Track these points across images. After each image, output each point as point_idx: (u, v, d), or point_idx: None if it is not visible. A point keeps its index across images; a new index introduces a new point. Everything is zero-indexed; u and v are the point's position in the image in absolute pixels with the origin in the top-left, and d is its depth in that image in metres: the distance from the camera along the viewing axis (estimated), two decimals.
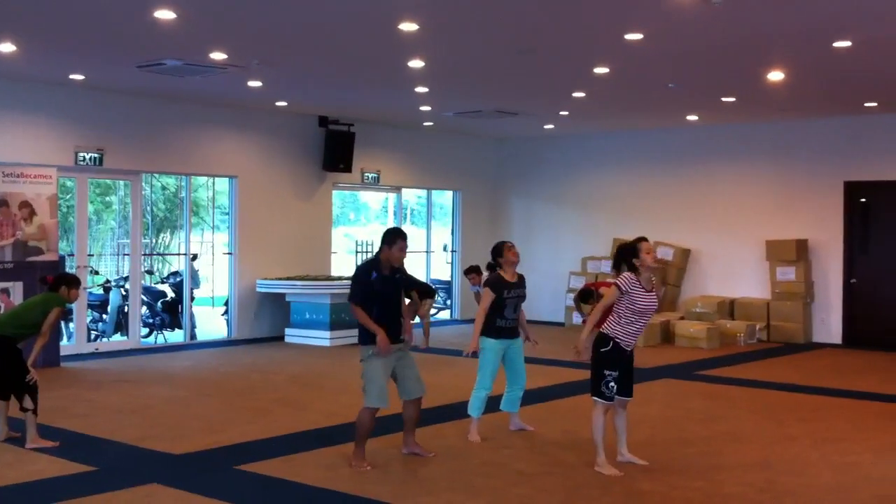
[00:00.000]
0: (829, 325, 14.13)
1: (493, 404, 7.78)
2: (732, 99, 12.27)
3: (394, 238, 6.62)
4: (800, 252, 14.03)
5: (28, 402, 7.04)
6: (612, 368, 6.30)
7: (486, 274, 12.33)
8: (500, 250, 7.57)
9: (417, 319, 13.57)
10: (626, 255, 6.32)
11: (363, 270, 6.68)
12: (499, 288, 7.37)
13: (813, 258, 14.23)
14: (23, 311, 7.34)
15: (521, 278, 7.60)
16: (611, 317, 6.34)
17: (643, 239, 6.38)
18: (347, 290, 13.16)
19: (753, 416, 8.48)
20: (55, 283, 7.42)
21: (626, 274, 6.29)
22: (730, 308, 14.48)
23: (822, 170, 14.13)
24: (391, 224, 17.63)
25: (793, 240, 14.05)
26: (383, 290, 6.59)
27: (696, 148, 15.33)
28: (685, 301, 14.92)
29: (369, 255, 17.51)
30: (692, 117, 14.24)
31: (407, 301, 13.45)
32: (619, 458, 6.56)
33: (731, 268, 14.95)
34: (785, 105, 12.74)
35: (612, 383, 6.28)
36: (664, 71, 10.45)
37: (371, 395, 6.47)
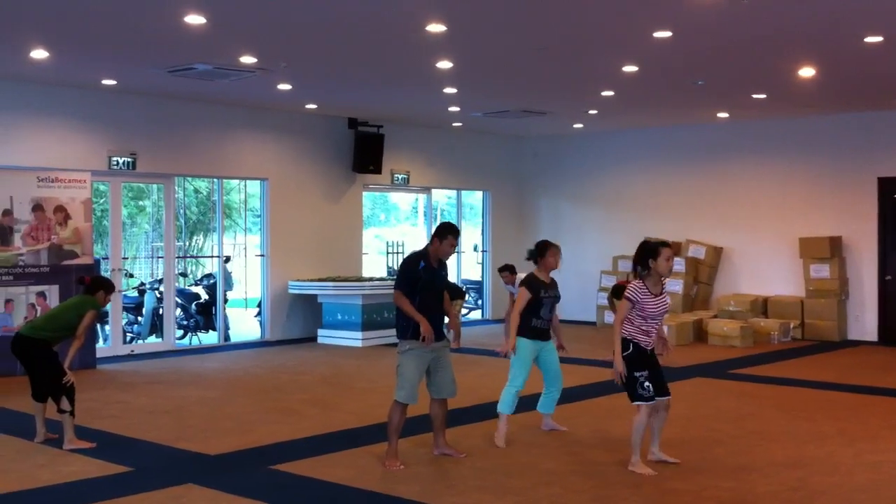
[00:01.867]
0: (864, 322, 13.99)
1: (523, 405, 7.78)
2: (763, 95, 12.18)
3: (445, 232, 6.64)
4: (833, 249, 13.90)
5: (65, 404, 7.13)
6: (640, 369, 6.29)
7: (519, 275, 12.34)
8: (543, 250, 7.53)
9: (447, 320, 13.61)
10: (646, 254, 6.33)
11: (412, 259, 6.70)
12: (536, 288, 7.35)
13: (847, 255, 14.09)
14: (58, 314, 7.42)
15: (554, 281, 7.60)
16: (625, 322, 6.34)
17: (666, 245, 6.38)
18: (379, 291, 13.40)
19: (786, 415, 8.43)
20: (92, 286, 7.48)
21: (635, 283, 6.29)
22: (763, 306, 14.37)
23: (854, 166, 14.00)
24: (421, 225, 17.69)
25: (826, 237, 13.93)
26: (429, 281, 6.62)
27: (726, 145, 15.23)
28: (718, 299, 14.83)
29: (400, 256, 17.60)
30: (722, 114, 14.16)
31: None
32: (651, 456, 6.54)
33: (763, 265, 14.84)
34: (816, 101, 12.64)
35: (646, 383, 6.26)
36: (693, 68, 10.40)
37: (402, 389, 6.50)
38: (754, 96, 12.26)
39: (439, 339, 6.61)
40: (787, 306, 14.19)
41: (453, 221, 17.39)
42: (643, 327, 6.32)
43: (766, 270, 14.81)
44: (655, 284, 6.31)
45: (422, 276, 6.57)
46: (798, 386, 10.02)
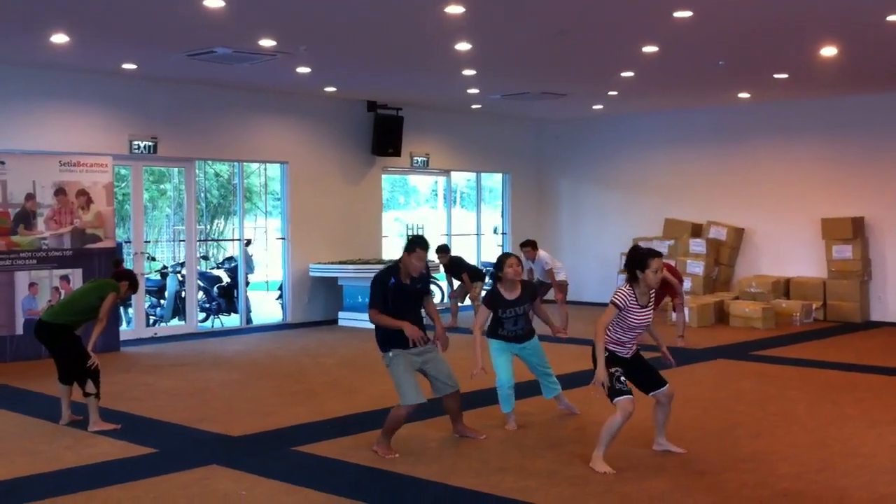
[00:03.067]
0: (887, 303, 13.91)
1: (534, 388, 7.76)
2: (785, 76, 12.09)
3: (413, 245, 6.43)
4: (856, 230, 13.81)
5: (90, 387, 7.19)
6: (614, 367, 5.99)
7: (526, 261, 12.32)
8: (500, 264, 7.17)
9: (468, 302, 13.63)
10: (635, 263, 5.99)
11: (382, 275, 6.51)
12: (493, 305, 7.13)
13: (870, 236, 14.00)
14: (78, 298, 7.46)
15: (527, 289, 7.23)
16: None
17: (657, 255, 6.01)
18: None
19: (808, 397, 8.40)
20: (119, 275, 7.55)
21: (624, 289, 5.99)
22: (785, 287, 14.30)
23: (877, 146, 13.88)
24: (441, 207, 17.69)
25: (849, 217, 13.83)
26: (396, 297, 6.43)
27: (747, 125, 15.13)
28: (739, 281, 14.77)
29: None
30: (743, 95, 14.06)
31: (457, 284, 13.57)
32: (656, 447, 6.42)
33: (785, 247, 14.77)
34: (838, 81, 12.52)
35: (622, 377, 5.97)
36: (714, 48, 10.33)
37: (406, 394, 6.34)
38: (776, 76, 12.16)
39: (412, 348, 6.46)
40: (810, 288, 14.12)
41: (473, 204, 17.47)
42: (621, 337, 6.05)
43: (787, 252, 14.73)
44: (643, 295, 6.02)
45: (391, 292, 6.41)
46: (820, 367, 9.98)
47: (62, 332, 7.26)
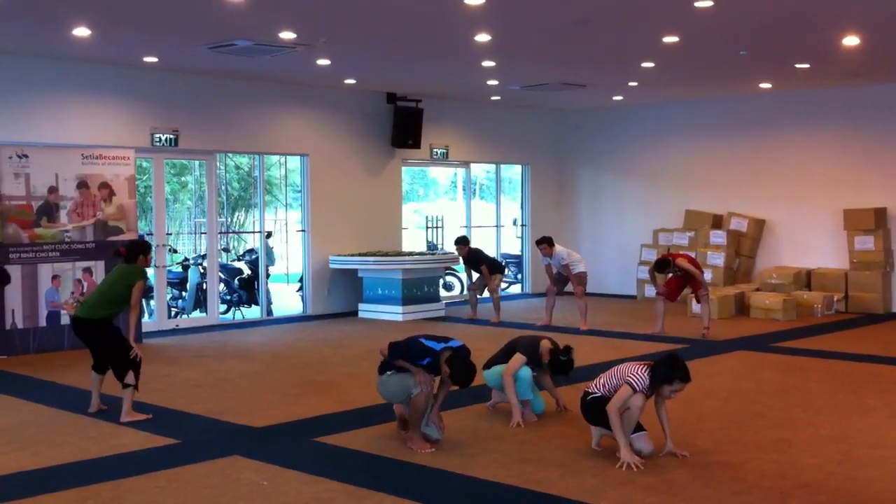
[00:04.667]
0: None
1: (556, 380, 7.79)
2: (806, 65, 12.01)
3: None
4: (878, 220, 13.72)
5: (130, 378, 7.22)
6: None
7: (559, 249, 12.30)
8: (539, 354, 7.21)
9: (487, 294, 13.65)
10: (662, 373, 5.94)
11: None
12: (532, 362, 7.18)
13: (892, 226, 13.91)
14: (108, 289, 7.46)
15: (555, 359, 7.23)
16: (603, 387, 6.14)
17: (676, 379, 5.93)
18: (419, 266, 13.49)
19: (830, 388, 8.37)
20: (130, 253, 7.50)
21: (645, 375, 5.94)
22: (806, 279, 14.24)
23: None
24: (460, 199, 17.70)
25: (871, 208, 13.75)
26: None
27: (768, 116, 15.05)
28: (760, 272, 14.71)
29: (439, 230, 17.64)
30: (765, 85, 13.98)
31: (476, 276, 13.58)
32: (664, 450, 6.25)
33: (806, 238, 14.69)
34: (861, 70, 12.43)
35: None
36: (735, 38, 10.28)
37: (416, 386, 6.33)
38: (798, 66, 12.09)
39: None
40: (831, 279, 14.05)
41: (493, 195, 17.45)
42: (605, 388, 6.13)
43: (809, 243, 14.66)
44: (652, 394, 6.04)
45: None
46: (842, 359, 9.93)
47: (102, 326, 7.31)
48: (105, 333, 7.33)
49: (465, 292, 14.65)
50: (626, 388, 5.94)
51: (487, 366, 7.42)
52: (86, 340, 7.47)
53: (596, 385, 6.23)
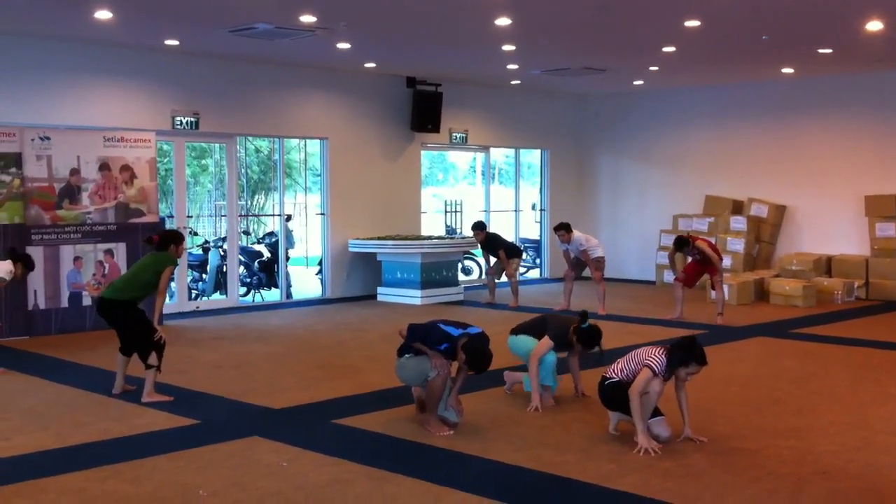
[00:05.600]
0: None
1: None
2: (829, 50, 11.92)
3: None
4: None
5: (153, 359, 7.31)
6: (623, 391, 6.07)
7: (579, 236, 12.27)
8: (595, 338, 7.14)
9: (505, 279, 13.65)
10: (679, 355, 5.94)
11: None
12: (559, 346, 7.16)
13: None
14: (136, 274, 7.54)
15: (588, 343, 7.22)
16: (621, 371, 6.13)
17: (693, 362, 5.93)
18: (437, 250, 13.51)
19: (849, 375, 8.34)
20: (162, 242, 7.58)
21: (663, 358, 5.94)
22: (826, 265, 14.17)
23: None
24: (479, 184, 17.69)
25: (892, 195, 13.66)
26: None
27: (790, 101, 14.96)
28: (780, 258, 14.65)
29: (458, 215, 17.63)
30: (787, 70, 13.88)
31: (493, 261, 13.57)
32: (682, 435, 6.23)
33: (827, 224, 14.62)
34: (884, 55, 12.33)
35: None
36: (758, 23, 10.21)
37: (433, 369, 6.35)
38: (820, 51, 12.00)
39: None
40: (852, 265, 13.97)
41: (512, 180, 17.44)
42: (624, 373, 6.11)
43: (829, 229, 14.58)
44: (670, 377, 6.03)
45: None
46: (862, 346, 9.90)
47: (126, 308, 7.38)
48: (130, 316, 7.40)
49: (484, 277, 14.66)
50: (647, 371, 5.95)
51: (515, 332, 7.43)
52: (109, 321, 7.54)
53: (614, 370, 6.24)
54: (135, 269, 7.67)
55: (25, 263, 8.68)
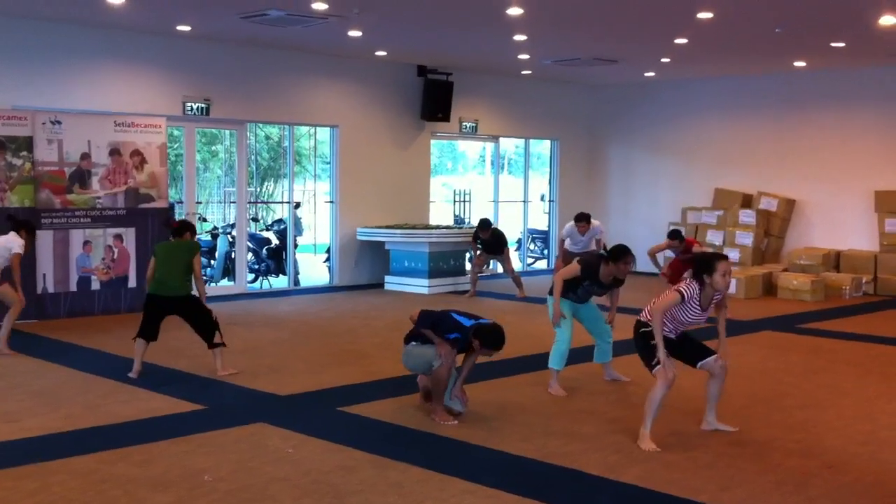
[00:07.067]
0: None
1: (583, 355, 7.82)
2: (842, 44, 11.88)
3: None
4: None
5: (218, 338, 7.76)
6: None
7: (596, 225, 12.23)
8: (711, 266, 6.98)
9: (500, 271, 13.44)
10: (701, 268, 5.89)
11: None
12: (585, 274, 7.17)
13: None
14: (176, 262, 7.75)
15: (615, 282, 7.33)
16: (655, 313, 5.97)
17: (723, 258, 5.91)
18: (445, 240, 13.43)
19: (856, 370, 8.34)
20: (180, 228, 8.00)
21: (694, 285, 5.87)
22: (835, 260, 14.14)
23: None
24: (488, 174, 17.66)
25: None
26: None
27: (802, 94, 14.91)
28: (789, 253, 14.62)
29: (466, 204, 17.63)
30: (799, 63, 13.83)
31: (479, 253, 13.28)
32: (706, 426, 6.25)
33: (837, 219, 14.58)
34: None
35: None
36: (771, 15, 10.17)
37: (437, 358, 6.35)
38: (833, 45, 11.95)
39: None
40: (861, 261, 13.94)
41: (521, 170, 17.40)
42: (668, 324, 5.98)
43: (839, 224, 14.55)
44: (706, 298, 5.91)
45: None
46: (870, 341, 9.89)
47: (191, 298, 7.77)
48: (194, 305, 7.75)
49: (469, 269, 14.14)
50: (675, 294, 5.86)
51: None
52: (172, 313, 7.77)
53: (647, 314, 6.07)
54: (169, 259, 7.80)
55: (28, 229, 8.78)
